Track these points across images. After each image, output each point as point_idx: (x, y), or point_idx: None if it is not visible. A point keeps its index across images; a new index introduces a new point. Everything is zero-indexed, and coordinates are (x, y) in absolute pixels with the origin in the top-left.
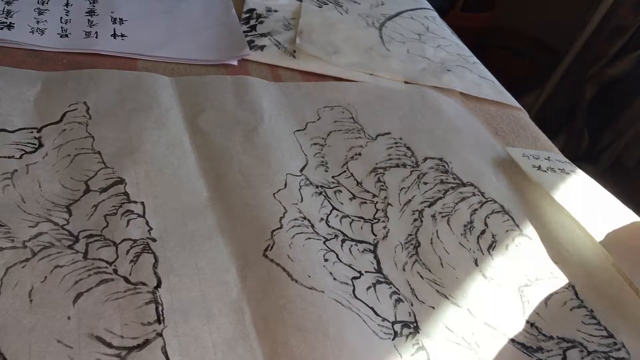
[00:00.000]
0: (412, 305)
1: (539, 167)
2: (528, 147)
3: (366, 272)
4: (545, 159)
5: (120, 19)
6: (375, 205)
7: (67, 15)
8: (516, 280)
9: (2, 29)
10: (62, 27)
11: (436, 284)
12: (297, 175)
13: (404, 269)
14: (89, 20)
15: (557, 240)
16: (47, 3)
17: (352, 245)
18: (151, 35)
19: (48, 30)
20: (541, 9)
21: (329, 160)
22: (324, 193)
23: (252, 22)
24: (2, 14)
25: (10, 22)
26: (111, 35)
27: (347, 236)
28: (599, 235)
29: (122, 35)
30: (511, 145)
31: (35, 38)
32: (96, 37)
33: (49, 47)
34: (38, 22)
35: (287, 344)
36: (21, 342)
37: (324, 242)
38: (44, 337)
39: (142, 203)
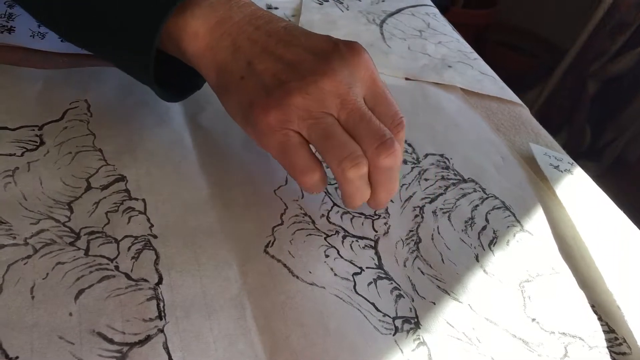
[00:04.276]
0: (413, 300)
1: (557, 167)
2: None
3: (367, 267)
4: (569, 163)
5: None
6: None
7: None
8: (517, 275)
9: (2, 32)
10: None
11: (437, 279)
12: None
13: (404, 265)
14: None
15: (558, 236)
16: None
17: (353, 241)
18: None
19: (49, 35)
20: (543, 6)
21: None
22: (324, 189)
23: None
24: (4, 17)
25: (12, 26)
26: None
27: (348, 232)
28: (593, 239)
29: None
30: (512, 141)
31: (36, 42)
32: None
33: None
34: (39, 26)
35: (288, 340)
36: (23, 339)
37: (325, 238)
38: (46, 333)
39: (143, 200)
